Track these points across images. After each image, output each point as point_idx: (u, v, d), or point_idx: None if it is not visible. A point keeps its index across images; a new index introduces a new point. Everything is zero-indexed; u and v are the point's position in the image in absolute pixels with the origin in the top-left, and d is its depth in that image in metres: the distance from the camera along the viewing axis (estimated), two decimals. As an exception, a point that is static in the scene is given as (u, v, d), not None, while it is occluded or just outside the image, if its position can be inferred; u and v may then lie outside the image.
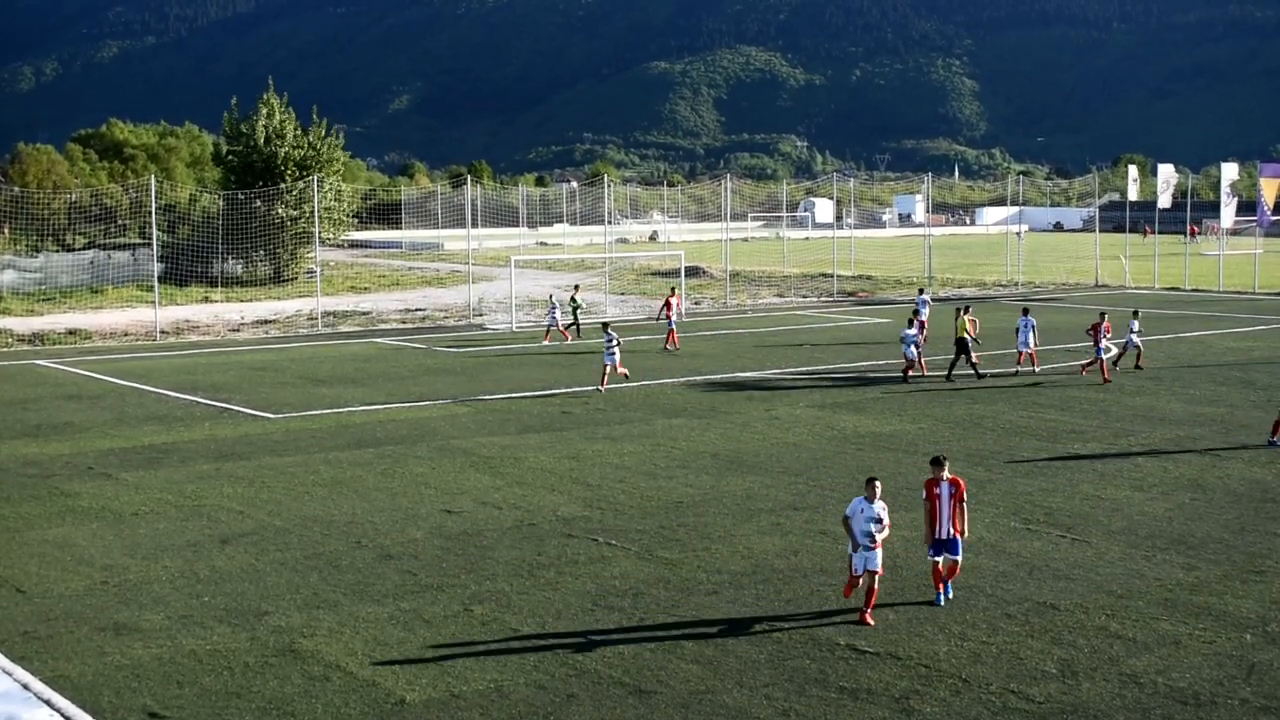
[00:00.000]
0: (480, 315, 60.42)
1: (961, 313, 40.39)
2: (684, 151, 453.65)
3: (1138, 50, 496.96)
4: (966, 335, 39.25)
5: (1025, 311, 41.74)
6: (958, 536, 18.15)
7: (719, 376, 40.66)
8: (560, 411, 34.36)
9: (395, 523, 22.86)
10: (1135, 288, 74.98)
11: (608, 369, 37.80)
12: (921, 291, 56.06)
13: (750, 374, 41.15)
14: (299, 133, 78.83)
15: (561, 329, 50.70)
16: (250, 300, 67.54)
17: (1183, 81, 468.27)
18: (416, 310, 63.08)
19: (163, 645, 16.83)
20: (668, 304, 48.99)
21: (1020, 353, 40.72)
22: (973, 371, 39.17)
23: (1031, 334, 40.32)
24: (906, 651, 16.50)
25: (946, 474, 18.14)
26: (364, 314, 61.08)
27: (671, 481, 25.93)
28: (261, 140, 77.16)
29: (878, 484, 18.02)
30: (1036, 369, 40.39)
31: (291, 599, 18.71)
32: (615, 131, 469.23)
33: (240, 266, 76.72)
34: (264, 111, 78.28)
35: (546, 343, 49.57)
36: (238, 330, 55.47)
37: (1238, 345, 48.26)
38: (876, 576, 17.69)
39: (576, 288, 56.55)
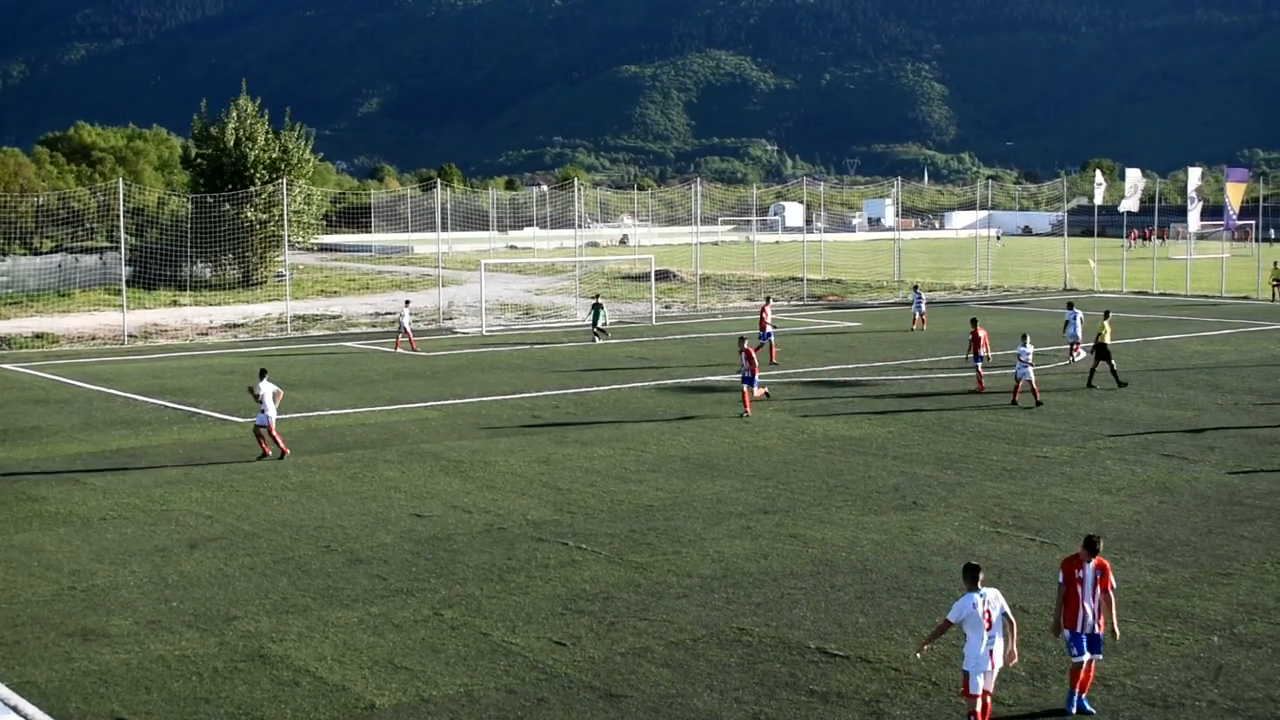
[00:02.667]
0: (450, 319, 60.30)
1: (1103, 318, 40.72)
2: (654, 155, 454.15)
3: (1106, 55, 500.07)
4: (1106, 340, 39.13)
5: (1070, 305, 44.96)
6: (1101, 633, 14.88)
7: (689, 380, 40.68)
8: (530, 415, 34.33)
9: (365, 527, 22.79)
10: (1104, 291, 75.33)
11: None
12: (916, 288, 56.58)
13: (721, 378, 41.17)
14: (269, 136, 78.55)
15: (410, 338, 49.07)
16: (219, 304, 67.25)
17: (1150, 86, 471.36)
18: (386, 314, 62.93)
19: (131, 651, 16.74)
20: (761, 319, 46.18)
21: (1070, 345, 43.55)
22: (1113, 375, 38.53)
23: (1079, 325, 43.52)
24: (876, 655, 16.53)
25: (1094, 559, 14.82)
26: (333, 318, 60.89)
27: (642, 485, 25.93)
28: (231, 143, 76.85)
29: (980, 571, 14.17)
30: (1077, 358, 42.78)
31: (260, 604, 18.64)
32: (586, 135, 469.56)
33: (209, 270, 76.40)
34: (234, 114, 77.97)
35: (398, 350, 48.60)
36: (206, 334, 55.24)
37: (1205, 349, 48.53)
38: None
39: (598, 295, 57.68)
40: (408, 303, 52.41)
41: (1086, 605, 14.70)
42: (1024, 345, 35.30)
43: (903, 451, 29.12)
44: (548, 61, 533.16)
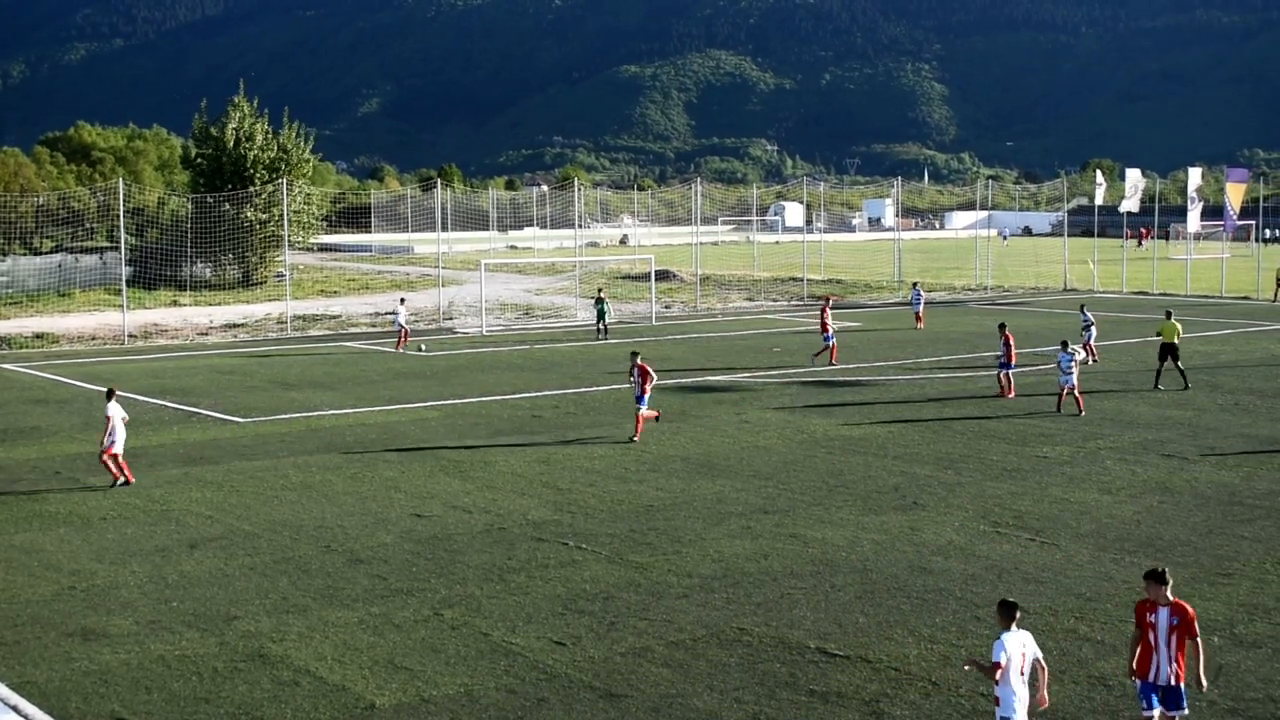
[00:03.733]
0: (450, 319, 60.30)
1: (1168, 317, 40.28)
2: (654, 155, 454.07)
3: (1106, 55, 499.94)
4: (1176, 340, 38.89)
5: (1083, 308, 45.45)
6: (1182, 685, 13.23)
7: (689, 380, 40.68)
8: (530, 415, 34.33)
9: (365, 527, 22.79)
10: (1104, 291, 75.34)
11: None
12: (915, 285, 56.50)
13: (720, 377, 41.18)
14: (269, 135, 78.55)
15: (402, 336, 48.77)
16: (219, 304, 67.26)
17: (1150, 86, 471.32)
18: (386, 314, 62.92)
19: (131, 651, 16.74)
20: (823, 322, 44.57)
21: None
22: (1181, 376, 38.27)
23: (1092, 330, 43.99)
24: (877, 655, 16.52)
25: (1168, 595, 13.25)
26: (333, 318, 60.90)
27: (642, 485, 25.93)
28: (231, 143, 76.86)
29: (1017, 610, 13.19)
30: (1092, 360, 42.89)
31: (260, 604, 18.64)
32: (586, 135, 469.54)
33: (209, 270, 76.41)
34: (234, 114, 77.97)
35: (400, 350, 48.14)
36: (206, 334, 55.24)
37: (1205, 349, 48.52)
38: None
39: (601, 290, 57.60)
40: (403, 300, 52.15)
41: (1162, 650, 13.10)
42: (1065, 352, 33.78)
43: (903, 451, 29.12)
44: (548, 61, 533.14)
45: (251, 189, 73.95)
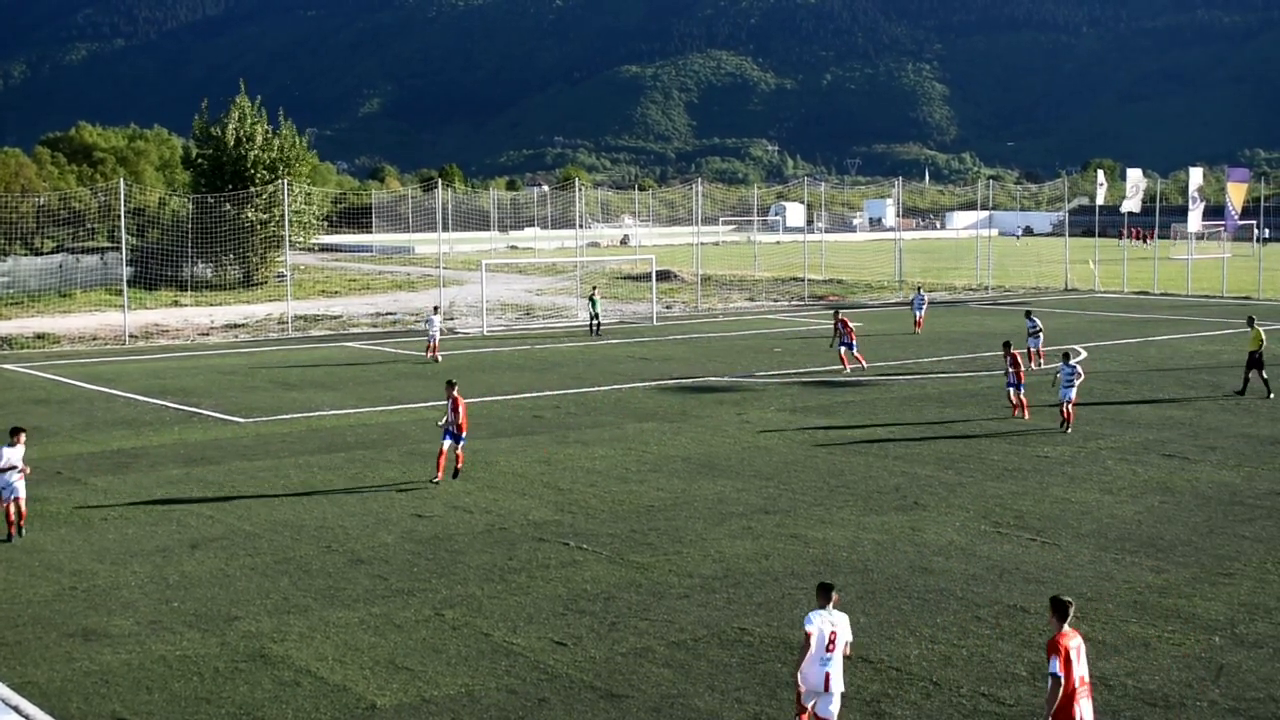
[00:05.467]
0: (451, 319, 60.30)
1: (1251, 324, 38.80)
2: (655, 155, 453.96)
3: (1107, 55, 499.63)
4: (1258, 347, 37.37)
5: (1029, 314, 44.88)
6: None
7: (690, 380, 40.68)
8: (531, 415, 34.32)
9: (366, 527, 22.79)
10: (1105, 291, 75.34)
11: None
12: (919, 289, 56.09)
13: (721, 378, 41.18)
14: (269, 136, 78.54)
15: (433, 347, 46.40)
16: (220, 304, 67.27)
17: (1151, 86, 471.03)
18: (387, 314, 62.94)
19: (132, 651, 16.74)
20: (844, 325, 42.49)
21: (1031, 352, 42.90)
22: (1265, 387, 36.97)
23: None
24: (878, 655, 16.52)
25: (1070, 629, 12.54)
26: (334, 318, 60.90)
27: (643, 485, 25.93)
28: (231, 143, 76.86)
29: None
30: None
31: (261, 604, 18.64)
32: (586, 135, 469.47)
33: (210, 270, 76.39)
34: (235, 114, 77.97)
35: (433, 357, 45.89)
36: (207, 334, 55.24)
37: (1206, 349, 48.51)
38: None
39: (595, 289, 57.63)
40: (436, 309, 49.95)
41: (1080, 690, 12.35)
42: (1067, 364, 31.63)
43: (904, 451, 29.12)
44: (548, 61, 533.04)
45: (252, 189, 73.95)
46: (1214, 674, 15.90)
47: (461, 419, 26.13)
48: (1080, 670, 12.22)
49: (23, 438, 23.04)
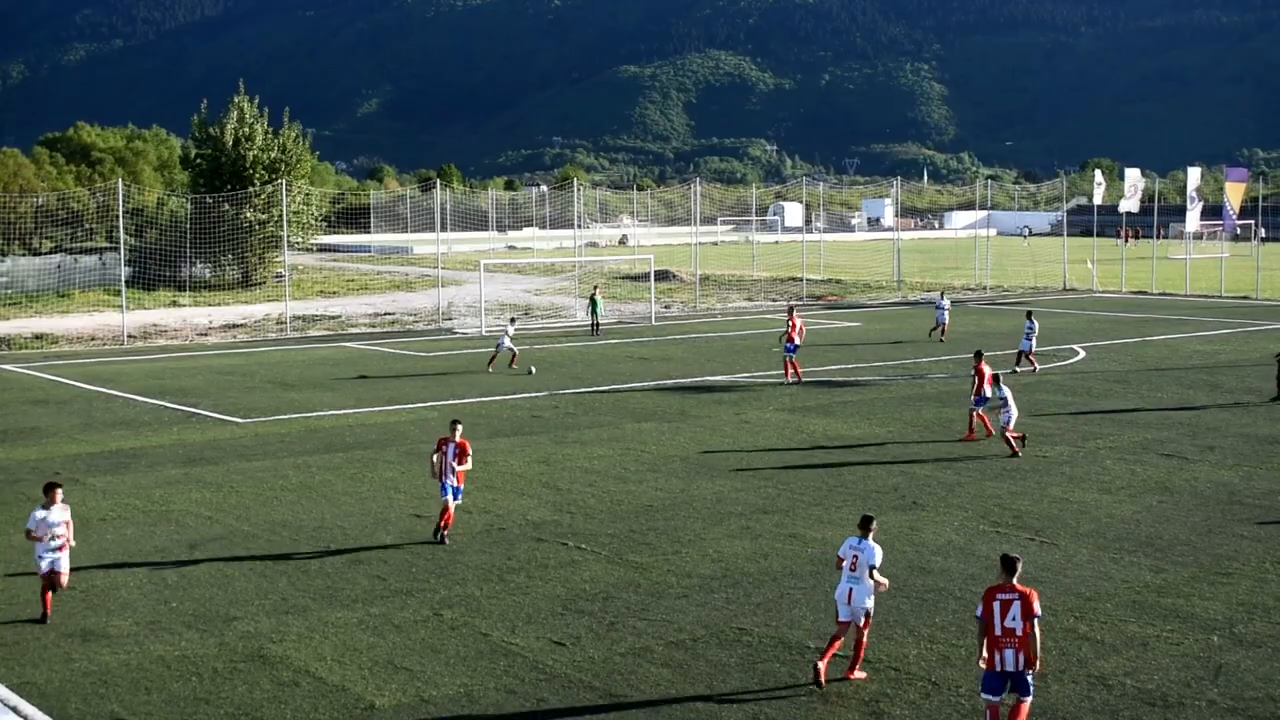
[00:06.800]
0: (449, 319, 60.29)
1: None
2: (653, 155, 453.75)
3: (1105, 55, 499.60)
4: None
5: (1029, 315, 43.52)
6: (1027, 671, 13.75)
7: (689, 380, 40.67)
8: (530, 415, 34.32)
9: (364, 527, 22.79)
10: (1103, 291, 75.36)
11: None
12: (942, 295, 54.04)
13: (720, 378, 41.17)
14: (268, 136, 78.50)
15: (512, 355, 43.45)
16: (218, 304, 67.23)
17: (1150, 86, 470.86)
18: (386, 314, 62.92)
19: (130, 652, 16.74)
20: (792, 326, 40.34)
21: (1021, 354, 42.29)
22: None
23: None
24: (876, 655, 16.52)
25: (1015, 583, 13.97)
26: (333, 318, 60.87)
27: (641, 485, 25.93)
28: (230, 143, 76.82)
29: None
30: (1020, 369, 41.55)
31: (260, 604, 18.64)
32: (585, 135, 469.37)
33: (208, 271, 76.35)
34: (234, 114, 77.93)
35: (509, 366, 43.31)
36: (206, 335, 55.21)
37: (1204, 349, 48.53)
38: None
39: (596, 288, 57.67)
40: (513, 320, 46.99)
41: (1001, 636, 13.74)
42: (1000, 388, 29.28)
43: (902, 451, 29.13)
44: (547, 62, 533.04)
45: (251, 189, 73.92)
46: (1212, 673, 15.91)
47: (462, 470, 21.74)
48: (1010, 624, 13.56)
49: (60, 495, 18.43)
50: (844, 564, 15.62)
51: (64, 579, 18.14)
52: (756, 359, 45.78)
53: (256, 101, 79.71)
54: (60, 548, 18.16)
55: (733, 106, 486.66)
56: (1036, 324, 42.71)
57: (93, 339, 53.27)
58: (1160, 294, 73.76)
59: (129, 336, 52.94)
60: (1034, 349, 42.35)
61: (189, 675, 15.95)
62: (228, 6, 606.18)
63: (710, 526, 22.75)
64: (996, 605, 13.69)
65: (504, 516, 23.46)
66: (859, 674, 15.72)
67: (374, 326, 58.31)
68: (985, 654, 13.70)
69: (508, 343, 43.24)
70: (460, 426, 22.06)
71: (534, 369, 42.60)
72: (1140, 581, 19.58)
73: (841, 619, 15.65)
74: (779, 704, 15.06)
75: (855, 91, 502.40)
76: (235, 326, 57.91)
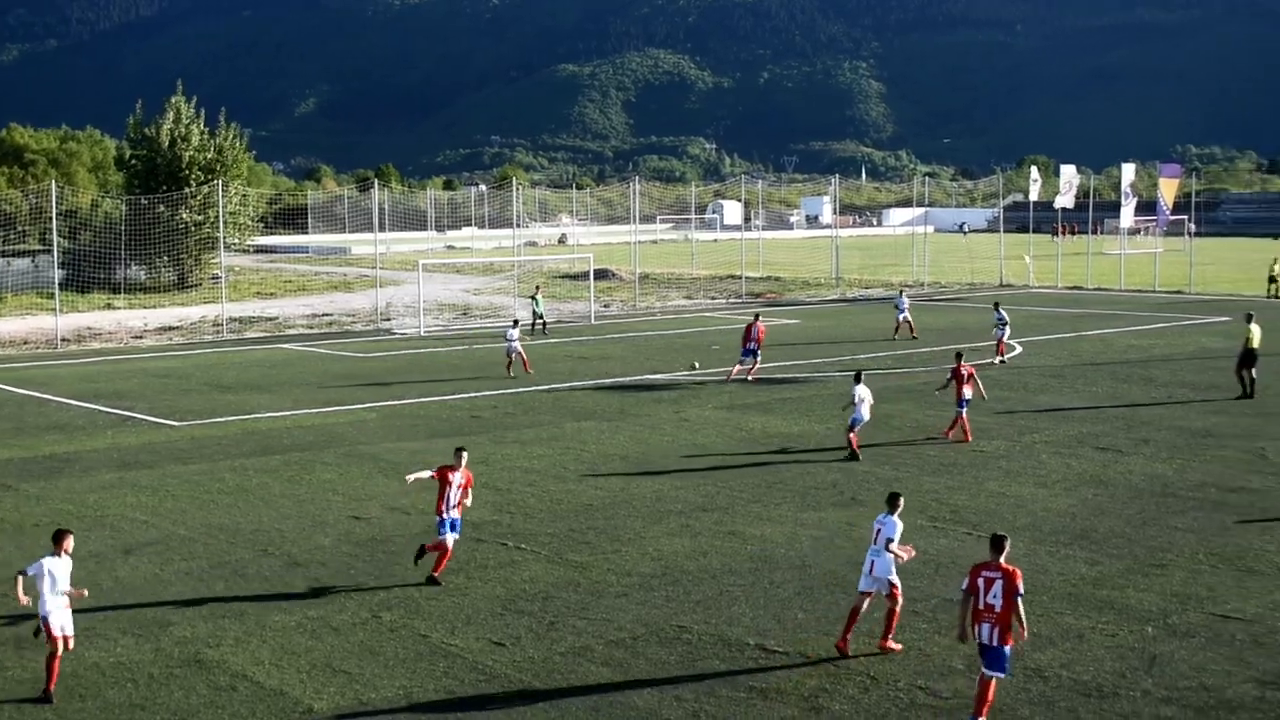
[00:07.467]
0: (388, 320, 60.04)
1: (1249, 320, 36.27)
2: (593, 154, 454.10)
3: (1043, 53, 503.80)
4: (1253, 345, 35.52)
5: (997, 306, 45.11)
6: (1005, 646, 14.24)
7: (628, 379, 40.69)
8: (469, 415, 34.22)
9: (302, 530, 22.65)
10: (1039, 287, 75.96)
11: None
12: (901, 293, 53.54)
13: (659, 376, 41.21)
14: (204, 136, 77.85)
15: (521, 359, 41.98)
16: (154, 307, 66.61)
17: (1086, 84, 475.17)
18: (324, 315, 62.57)
19: (65, 658, 16.52)
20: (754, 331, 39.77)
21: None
22: (1244, 384, 35.58)
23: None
24: (815, 650, 16.59)
25: (1002, 561, 14.37)
26: (270, 319, 60.48)
27: (581, 485, 25.91)
28: (166, 144, 76.13)
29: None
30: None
31: (197, 609, 18.48)
32: (523, 134, 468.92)
33: (143, 273, 75.64)
34: (170, 115, 77.22)
35: (523, 371, 41.75)
36: (141, 337, 54.69)
37: (1139, 343, 49.03)
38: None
39: (538, 288, 57.63)
40: (516, 323, 44.47)
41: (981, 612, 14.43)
42: (855, 388, 28.60)
43: (840, 448, 29.20)
44: (485, 61, 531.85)
45: (187, 190, 73.27)
46: (1147, 663, 16.08)
47: (460, 501, 19.89)
48: (991, 600, 14.08)
49: (69, 543, 15.98)
50: (874, 538, 16.61)
51: (70, 641, 15.68)
52: (696, 357, 45.75)
53: (194, 102, 79.04)
54: (64, 606, 15.62)
55: (672, 105, 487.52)
56: (1006, 315, 43.83)
57: (25, 342, 52.65)
58: (1095, 289, 74.44)
59: (62, 340, 52.36)
60: (1005, 337, 43.66)
61: (124, 681, 15.79)
62: (163, 6, 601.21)
63: (650, 525, 22.77)
64: (981, 581, 14.24)
65: (443, 517, 23.34)
66: (892, 644, 16.56)
67: (312, 328, 57.97)
68: (964, 627, 14.37)
69: (518, 346, 41.86)
70: (465, 454, 20.14)
71: (533, 372, 41.57)
72: (1076, 574, 19.75)
73: (861, 589, 16.65)
74: (719, 701, 15.08)
75: (794, 90, 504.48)
76: (171, 329, 57.39)
